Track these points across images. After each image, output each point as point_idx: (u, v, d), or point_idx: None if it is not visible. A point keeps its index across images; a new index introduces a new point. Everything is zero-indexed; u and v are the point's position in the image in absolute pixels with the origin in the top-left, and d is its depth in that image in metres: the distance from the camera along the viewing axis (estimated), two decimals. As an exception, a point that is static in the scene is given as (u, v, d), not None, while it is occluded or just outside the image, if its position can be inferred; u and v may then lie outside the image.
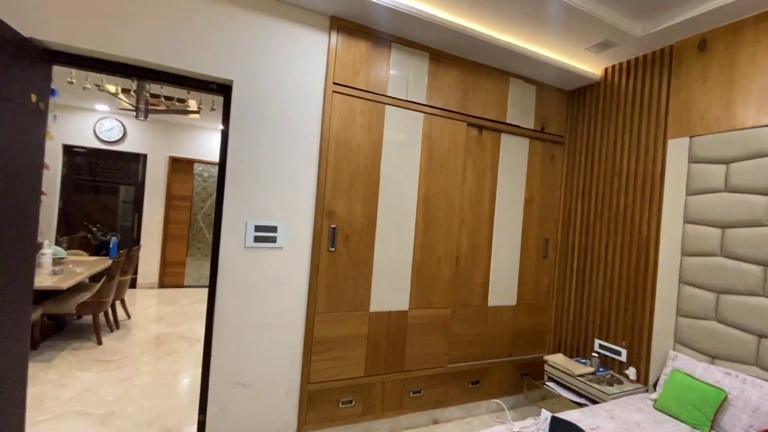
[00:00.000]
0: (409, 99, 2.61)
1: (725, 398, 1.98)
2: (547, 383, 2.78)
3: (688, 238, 2.37)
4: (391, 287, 2.60)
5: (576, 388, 2.60)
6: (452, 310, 2.85)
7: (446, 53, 2.72)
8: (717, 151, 2.26)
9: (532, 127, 3.11)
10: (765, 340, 2.00)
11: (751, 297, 2.07)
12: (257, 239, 2.21)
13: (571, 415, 2.05)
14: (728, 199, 2.20)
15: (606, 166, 2.92)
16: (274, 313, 2.27)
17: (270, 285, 2.26)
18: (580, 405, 2.50)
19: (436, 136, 2.73)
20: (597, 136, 3.00)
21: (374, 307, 2.55)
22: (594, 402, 2.49)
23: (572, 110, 3.24)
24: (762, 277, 2.04)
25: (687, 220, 2.39)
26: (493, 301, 3.03)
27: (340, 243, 2.43)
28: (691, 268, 2.34)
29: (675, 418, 2.10)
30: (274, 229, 2.25)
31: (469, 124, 2.87)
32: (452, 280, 2.84)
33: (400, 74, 2.58)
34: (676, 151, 2.47)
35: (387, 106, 2.55)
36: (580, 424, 1.90)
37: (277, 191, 2.27)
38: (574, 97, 3.23)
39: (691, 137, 2.40)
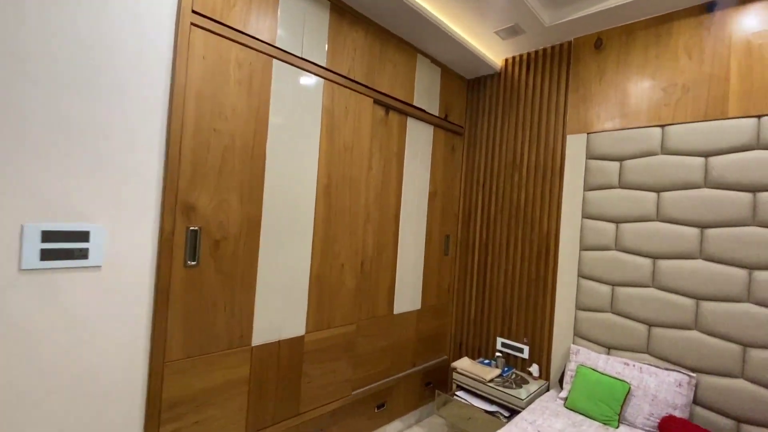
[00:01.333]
0: (305, 57, 1.97)
1: (629, 390, 2.02)
2: (456, 394, 2.55)
3: (586, 232, 2.41)
4: (282, 308, 1.94)
5: (486, 395, 2.43)
6: (357, 325, 2.35)
7: (350, 8, 2.16)
8: (612, 149, 2.34)
9: (437, 114, 2.83)
10: (655, 329, 2.13)
11: (643, 288, 2.18)
12: (47, 255, 1.27)
13: (502, 439, 1.80)
14: (622, 195, 2.28)
15: (506, 159, 2.84)
16: (83, 377, 1.36)
17: (76, 332, 1.34)
18: (493, 413, 2.33)
19: (339, 112, 2.16)
20: (497, 129, 2.91)
21: (258, 338, 1.85)
22: (505, 407, 2.36)
23: (472, 100, 3.10)
24: (651, 269, 2.16)
25: (585, 215, 2.43)
26: (399, 307, 2.65)
27: (206, 253, 1.65)
28: (589, 262, 2.39)
29: (586, 416, 2.07)
30: (83, 236, 1.33)
31: (376, 102, 2.39)
32: (357, 290, 2.34)
33: (293, 21, 1.91)
34: (575, 146, 2.49)
35: (275, 61, 1.85)
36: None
37: (90, 174, 1.35)
38: (474, 87, 3.08)
39: (588, 134, 2.44)
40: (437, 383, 3.03)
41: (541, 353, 2.59)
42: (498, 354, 2.69)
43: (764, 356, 1.79)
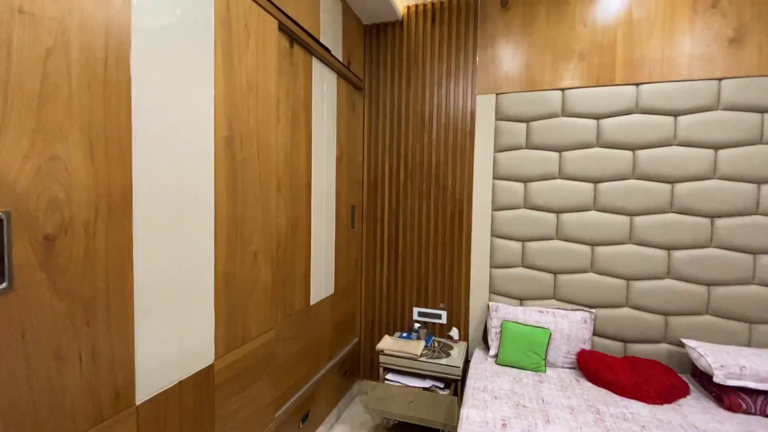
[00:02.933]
0: (185, -77, 1.20)
1: (550, 335, 2.19)
2: (387, 379, 2.31)
3: (498, 193, 2.46)
4: (178, 330, 1.24)
5: (418, 371, 2.28)
6: (275, 330, 1.79)
7: None
8: (519, 110, 2.40)
9: (340, 59, 2.35)
10: (560, 276, 2.36)
11: (549, 241, 2.37)
12: None
13: (467, 416, 1.66)
14: (529, 155, 2.39)
15: (415, 120, 2.63)
16: None
17: None
18: (429, 389, 2.20)
19: (238, 29, 1.46)
20: (402, 86, 2.65)
21: (146, 389, 1.13)
22: (440, 379, 2.26)
23: (371, 50, 2.72)
24: (555, 223, 2.36)
25: (496, 176, 2.47)
26: (315, 296, 2.18)
27: (26, 263, 0.84)
28: (501, 221, 2.46)
29: (519, 368, 2.16)
30: None
31: (281, 28, 1.75)
32: (274, 284, 1.76)
33: None
34: (485, 107, 2.47)
35: None
36: (489, 425, 1.54)
37: None
38: (373, 35, 2.71)
39: (497, 94, 2.45)
40: (352, 370, 2.73)
41: (459, 315, 2.59)
42: (417, 325, 2.57)
43: (642, 286, 2.19)
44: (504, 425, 1.60)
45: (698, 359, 1.91)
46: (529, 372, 2.12)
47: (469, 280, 2.55)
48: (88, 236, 0.95)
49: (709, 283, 2.10)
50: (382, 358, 2.35)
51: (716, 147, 2.07)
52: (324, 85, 2.20)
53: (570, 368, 2.17)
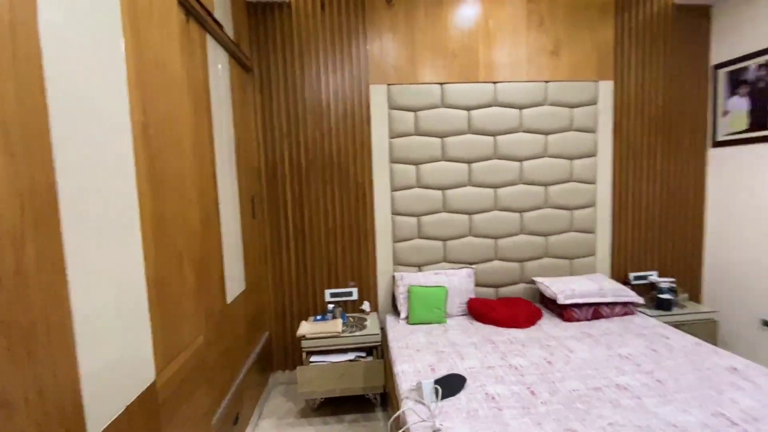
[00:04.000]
0: None
1: (447, 292, 2.62)
2: (312, 361, 2.36)
3: (395, 175, 2.73)
4: (117, 348, 1.07)
5: (341, 347, 2.42)
6: (204, 335, 1.65)
7: None
8: (408, 101, 2.69)
9: (231, 37, 2.18)
10: (448, 242, 2.80)
11: (438, 214, 2.78)
12: None
13: (402, 371, 1.90)
14: (419, 141, 2.72)
15: (313, 108, 2.65)
16: None
17: None
18: (355, 360, 2.37)
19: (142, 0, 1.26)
20: (296, 73, 2.62)
21: (95, 422, 0.96)
22: (362, 350, 2.45)
23: (258, 31, 2.58)
24: (442, 198, 2.77)
25: (392, 160, 2.73)
26: (230, 295, 2.05)
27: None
28: (400, 200, 2.75)
29: (427, 323, 2.52)
30: None
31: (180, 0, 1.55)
32: (197, 286, 1.61)
33: None
34: (378, 97, 2.67)
35: None
36: (421, 373, 1.83)
37: None
38: (259, 14, 2.57)
39: (388, 85, 2.67)
40: (266, 365, 2.67)
41: (369, 289, 2.81)
42: (330, 305, 2.68)
43: (505, 243, 2.81)
44: (433, 369, 1.90)
45: (545, 290, 2.60)
46: (435, 324, 2.51)
47: (375, 255, 2.78)
48: (13, 251, 0.75)
49: (546, 234, 2.85)
50: (304, 343, 2.39)
51: (546, 133, 2.79)
52: (219, 66, 2.02)
53: (463, 315, 2.65)
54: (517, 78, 2.72)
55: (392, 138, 2.71)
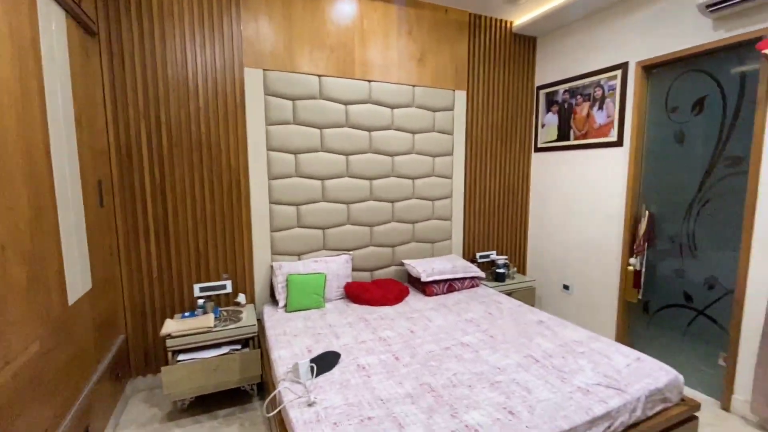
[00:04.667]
0: None
1: (326, 278, 2.74)
2: (180, 361, 2.21)
3: (273, 163, 2.70)
4: None
5: (212, 342, 2.31)
6: (39, 341, 1.41)
7: None
8: (286, 89, 2.67)
9: (69, -8, 1.84)
10: (327, 230, 2.91)
11: (317, 203, 2.86)
12: None
13: (279, 356, 1.95)
14: (297, 130, 2.74)
15: (177, 85, 2.41)
16: None
17: None
18: (228, 353, 2.31)
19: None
20: (156, 44, 2.34)
21: None
22: (237, 342, 2.39)
23: (104, -13, 2.21)
24: (321, 188, 2.86)
25: (270, 148, 2.69)
26: (72, 295, 1.78)
27: None
28: (278, 189, 2.73)
29: (306, 309, 2.59)
30: None
31: (-8, -67, 1.25)
32: (28, 285, 1.37)
33: None
34: (253, 81, 2.59)
35: None
36: (298, 356, 1.91)
37: None
38: (105, -32, 2.20)
39: (264, 70, 2.61)
40: (122, 371, 2.37)
41: (245, 281, 2.73)
42: (200, 301, 2.52)
43: (379, 230, 3.06)
44: (309, 351, 2.00)
45: (412, 270, 2.95)
46: (314, 310, 2.60)
47: (251, 246, 2.71)
48: None
49: (413, 222, 3.21)
50: (170, 342, 2.20)
51: (413, 132, 3.12)
52: (52, 24, 1.69)
53: (341, 298, 2.81)
54: (388, 79, 2.96)
55: (269, 125, 2.67)
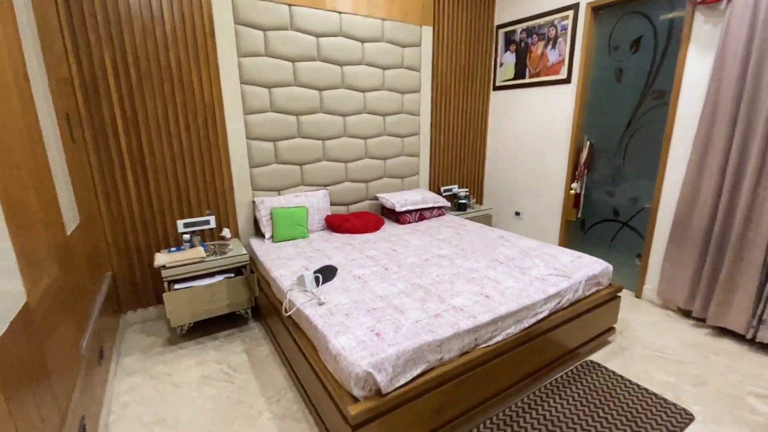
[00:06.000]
0: None
1: (307, 211, 2.89)
2: (175, 289, 2.32)
3: (247, 98, 2.68)
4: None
5: (208, 270, 2.44)
6: (56, 263, 1.47)
7: None
8: (257, 18, 2.59)
9: None
10: (304, 166, 3.01)
11: (293, 139, 2.92)
12: None
13: (280, 275, 2.15)
14: (270, 62, 2.71)
15: (139, 8, 2.25)
16: None
17: None
18: (223, 280, 2.46)
19: None
20: (109, -43, 2.14)
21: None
22: (230, 272, 2.54)
23: None
24: (296, 123, 2.91)
25: (244, 81, 2.65)
26: (68, 226, 1.79)
27: None
28: (254, 124, 2.75)
29: (292, 239, 2.77)
30: None
31: None
32: (40, 210, 1.40)
33: None
34: (221, 7, 2.48)
35: None
36: (297, 273, 2.12)
37: None
38: None
39: (232, -4, 2.50)
40: (115, 305, 2.44)
41: (227, 216, 2.81)
42: (186, 236, 2.59)
43: (353, 166, 3.22)
44: (307, 269, 2.21)
45: (386, 202, 3.19)
46: (300, 239, 2.78)
47: (231, 182, 2.76)
48: None
49: (385, 158, 3.39)
50: (165, 273, 2.30)
51: (383, 68, 3.19)
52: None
53: (323, 230, 3.01)
54: (358, 11, 2.96)
55: (242, 57, 2.61)
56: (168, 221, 2.60)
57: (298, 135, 2.94)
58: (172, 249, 2.53)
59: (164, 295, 2.22)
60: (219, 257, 2.46)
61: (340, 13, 2.88)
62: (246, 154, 2.76)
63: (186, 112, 2.51)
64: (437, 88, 3.56)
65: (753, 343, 2.26)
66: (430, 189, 3.76)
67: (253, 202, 2.83)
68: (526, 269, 2.12)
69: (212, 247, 2.64)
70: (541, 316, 1.84)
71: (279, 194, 2.95)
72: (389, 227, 3.06)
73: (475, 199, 4.03)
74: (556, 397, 1.85)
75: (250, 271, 2.58)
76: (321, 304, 1.77)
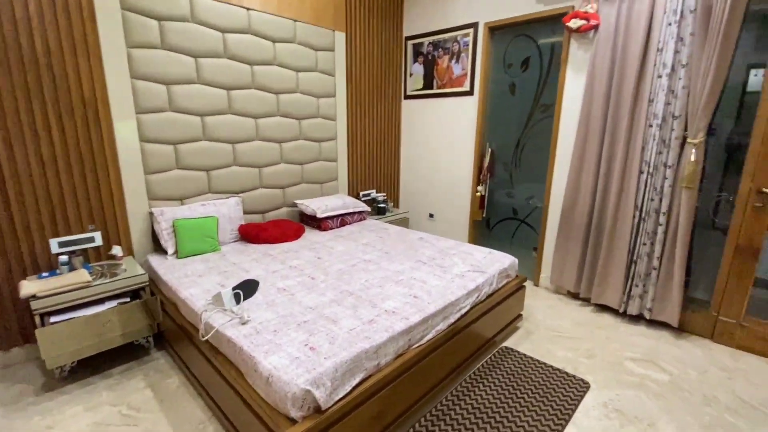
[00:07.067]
0: None
1: (218, 221, 2.64)
2: (52, 323, 1.90)
3: (140, 95, 2.35)
4: None
5: (96, 296, 2.06)
6: None
7: None
8: (148, 4, 2.29)
9: None
10: (212, 172, 2.75)
11: (197, 143, 2.64)
12: None
13: (190, 294, 1.92)
14: (167, 56, 2.41)
15: (-16, -25, 1.81)
16: None
17: None
18: (116, 307, 2.10)
19: None
20: None
21: None
22: (123, 296, 2.18)
23: None
24: (201, 125, 2.64)
25: (135, 76, 2.31)
26: None
27: None
28: (149, 125, 2.41)
29: (200, 254, 2.49)
30: None
31: None
32: None
33: None
34: (104, -11, 2.13)
35: None
36: (211, 291, 1.93)
37: None
38: None
39: (118, -23, 2.17)
40: (-41, 351, 1.91)
41: (118, 231, 2.41)
42: (63, 258, 2.15)
43: (268, 171, 3.04)
44: (222, 285, 2.01)
45: (306, 209, 3.09)
46: (210, 253, 2.52)
47: (122, 191, 2.38)
48: None
49: (302, 163, 3.28)
50: (35, 304, 1.87)
51: (297, 70, 3.09)
52: None
53: (237, 241, 2.77)
54: (267, 8, 2.82)
55: (132, 48, 2.28)
56: (37, 241, 2.13)
57: (204, 138, 2.67)
58: (44, 274, 2.08)
59: (36, 331, 1.80)
60: (109, 280, 2.09)
61: (248, 9, 2.71)
62: (140, 159, 2.41)
63: (59, 109, 2.09)
64: (352, 94, 3.57)
65: (625, 316, 2.73)
66: (349, 194, 3.75)
67: (151, 213, 2.48)
68: (447, 267, 2.24)
69: (99, 268, 2.24)
70: (464, 311, 1.96)
71: (182, 203, 2.64)
72: (310, 234, 2.97)
73: (392, 203, 4.14)
74: (480, 385, 1.98)
75: (150, 293, 2.25)
76: (244, 323, 1.62)
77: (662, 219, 2.43)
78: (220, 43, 2.62)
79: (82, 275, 2.05)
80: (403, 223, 3.92)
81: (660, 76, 2.35)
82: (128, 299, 2.18)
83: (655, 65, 2.37)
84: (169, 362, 2.20)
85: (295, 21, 2.99)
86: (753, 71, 2.26)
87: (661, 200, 2.43)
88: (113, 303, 2.11)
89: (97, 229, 2.32)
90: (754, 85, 2.23)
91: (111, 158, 2.30)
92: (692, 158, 2.26)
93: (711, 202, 2.49)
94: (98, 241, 2.28)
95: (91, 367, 2.14)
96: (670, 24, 2.27)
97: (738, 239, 2.29)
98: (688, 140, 2.28)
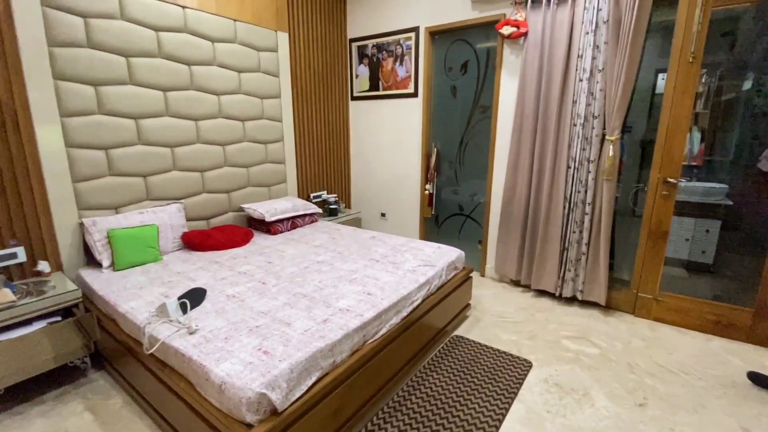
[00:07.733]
0: None
1: (158, 229, 2.51)
2: (-33, 349, 1.71)
3: (65, 97, 2.17)
4: None
5: (21, 317, 1.88)
6: None
7: None
8: (71, 0, 2.12)
9: None
10: (149, 178, 2.60)
11: (132, 147, 2.49)
12: None
13: (131, 308, 1.82)
14: (95, 56, 2.25)
15: None
16: None
17: None
18: (51, 324, 1.94)
19: None
20: None
21: None
22: (52, 315, 2.01)
23: None
24: (135, 128, 2.49)
25: (58, 77, 2.13)
26: None
27: None
28: (76, 129, 2.23)
29: (140, 265, 2.36)
30: None
31: None
32: None
33: None
34: (15, -18, 1.95)
35: None
36: (155, 303, 1.85)
37: None
38: None
39: (31, -31, 1.99)
40: None
41: (44, 245, 2.21)
42: (-24, 277, 1.94)
43: (212, 175, 2.93)
44: (167, 296, 1.92)
45: (254, 213, 3.02)
46: (152, 264, 2.39)
47: (47, 201, 2.18)
48: None
49: (247, 166, 3.20)
50: (-56, 332, 1.67)
51: (239, 71, 3.01)
52: None
53: (180, 249, 2.65)
54: (205, 7, 2.72)
55: (54, 47, 2.10)
56: (-59, 261, 1.89)
57: (139, 142, 2.52)
58: (-47, 298, 1.85)
59: (-53, 362, 1.61)
60: (36, 298, 1.92)
61: (183, 7, 2.60)
62: (66, 166, 2.22)
63: (-37, 113, 1.87)
64: (298, 95, 3.55)
65: (561, 299, 2.99)
66: (299, 196, 3.72)
67: (81, 224, 2.30)
68: (399, 263, 2.32)
69: (24, 287, 2.05)
70: (416, 304, 2.04)
71: (117, 212, 2.47)
72: (260, 239, 2.91)
73: (344, 204, 4.16)
74: (434, 374, 2.08)
75: (84, 309, 2.09)
76: (192, 332, 1.57)
77: (588, 209, 2.69)
78: (154, 43, 2.49)
79: (5, 295, 1.86)
80: (356, 223, 3.96)
81: (581, 80, 2.60)
82: (59, 318, 2.02)
83: (576, 70, 2.62)
84: (109, 382, 2.06)
85: (235, 21, 2.92)
86: (660, 75, 2.59)
87: (586, 192, 2.69)
88: (42, 323, 1.94)
89: (19, 243, 2.11)
90: (662, 88, 2.55)
91: (33, 166, 2.11)
92: (610, 153, 2.53)
93: (631, 192, 2.81)
94: (21, 257, 2.08)
95: (22, 393, 1.95)
96: (587, 33, 2.53)
97: (650, 224, 2.61)
98: (607, 137, 2.55)
